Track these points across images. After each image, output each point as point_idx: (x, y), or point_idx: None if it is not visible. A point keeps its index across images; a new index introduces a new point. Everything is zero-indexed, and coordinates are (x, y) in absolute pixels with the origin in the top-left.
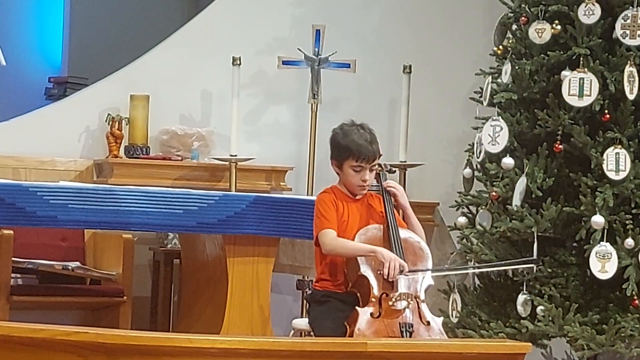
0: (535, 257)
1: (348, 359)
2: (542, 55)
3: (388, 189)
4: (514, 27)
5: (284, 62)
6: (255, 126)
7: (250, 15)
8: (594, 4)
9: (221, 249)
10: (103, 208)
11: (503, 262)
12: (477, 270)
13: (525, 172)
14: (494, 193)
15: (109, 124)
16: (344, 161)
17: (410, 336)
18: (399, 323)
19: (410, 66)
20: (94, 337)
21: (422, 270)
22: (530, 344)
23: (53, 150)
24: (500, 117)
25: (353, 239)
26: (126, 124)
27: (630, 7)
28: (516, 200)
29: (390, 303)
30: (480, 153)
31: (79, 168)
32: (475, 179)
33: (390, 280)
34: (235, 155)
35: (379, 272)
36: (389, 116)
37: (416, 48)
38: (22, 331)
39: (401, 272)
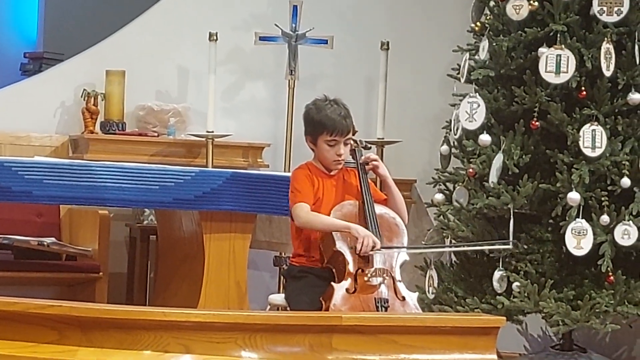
0: (511, 239)
1: (323, 332)
2: (520, 32)
3: (370, 161)
4: (492, 3)
5: (261, 38)
6: (232, 102)
7: None
8: None
9: (198, 225)
10: (79, 184)
11: (479, 242)
12: (448, 250)
13: (502, 149)
14: (470, 170)
15: (84, 100)
16: (318, 136)
17: (385, 311)
18: (375, 298)
19: (387, 43)
20: (68, 311)
21: (396, 247)
22: (505, 318)
23: (28, 126)
24: (477, 94)
25: (328, 215)
26: (102, 100)
27: None
28: (493, 177)
29: (366, 279)
30: (457, 130)
31: (54, 144)
32: (452, 156)
33: (361, 255)
34: (212, 132)
35: (352, 248)
36: (366, 93)
37: (394, 25)
38: None
39: (373, 248)
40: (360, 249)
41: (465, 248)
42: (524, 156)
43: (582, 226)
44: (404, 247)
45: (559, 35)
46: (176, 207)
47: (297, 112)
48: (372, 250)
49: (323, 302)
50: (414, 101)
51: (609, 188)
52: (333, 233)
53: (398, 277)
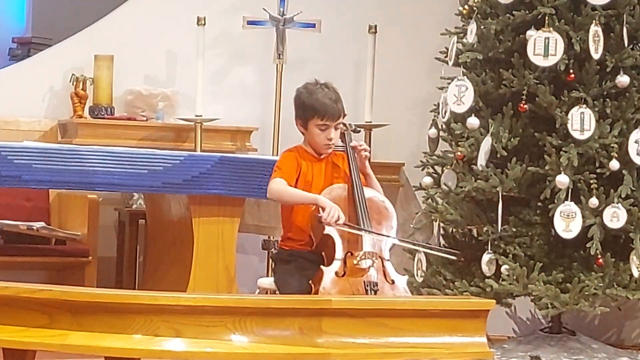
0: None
1: (313, 316)
2: (508, 14)
3: (362, 151)
4: None
5: (249, 22)
6: (220, 86)
7: None
8: None
9: (186, 209)
10: (68, 168)
11: (429, 246)
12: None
13: (490, 132)
14: (459, 153)
15: (73, 84)
16: (309, 120)
17: (375, 294)
18: (364, 282)
19: (375, 26)
20: (59, 295)
21: (356, 228)
22: (495, 301)
23: (17, 111)
24: (465, 77)
25: None
26: (90, 84)
27: None
28: (481, 160)
29: (355, 262)
30: (445, 113)
31: (43, 128)
32: (440, 139)
33: (324, 225)
34: (201, 116)
35: (320, 217)
36: (355, 76)
37: (381, 8)
38: None
39: (337, 221)
40: (326, 219)
41: (418, 248)
42: (512, 139)
43: (571, 209)
44: (370, 231)
45: (547, 18)
46: (165, 191)
47: (285, 96)
48: (335, 222)
49: (312, 286)
50: (402, 84)
51: (598, 171)
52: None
53: (387, 260)
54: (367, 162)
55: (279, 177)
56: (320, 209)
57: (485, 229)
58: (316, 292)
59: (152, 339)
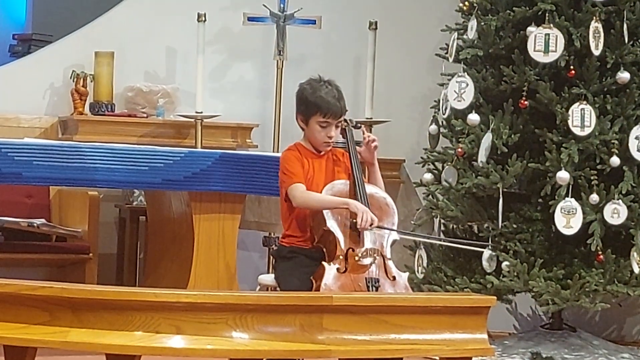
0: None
1: (314, 313)
2: (508, 11)
3: (371, 141)
4: None
5: (249, 19)
6: (221, 83)
7: None
8: None
9: (187, 206)
10: (68, 165)
11: (459, 241)
12: (434, 241)
13: (490, 128)
14: (459, 149)
15: (73, 81)
16: (311, 116)
17: (376, 291)
18: (365, 278)
19: (376, 22)
20: (59, 292)
21: (388, 229)
22: (495, 297)
23: (17, 108)
24: (465, 73)
25: None
26: (91, 81)
27: None
28: (482, 157)
29: (357, 258)
30: (445, 109)
31: (43, 125)
32: (441, 136)
33: (360, 230)
34: (201, 112)
35: (346, 225)
36: (355, 73)
37: (382, 4)
38: None
39: (370, 225)
40: (360, 224)
41: (446, 243)
42: (512, 135)
43: (572, 205)
44: (395, 230)
45: (547, 14)
46: (165, 188)
47: (286, 92)
48: (370, 226)
49: (314, 282)
50: (403, 81)
51: (598, 167)
52: (324, 212)
53: (389, 256)
54: (375, 153)
55: (297, 182)
56: (352, 214)
57: (485, 225)
58: (318, 288)
59: (153, 335)
